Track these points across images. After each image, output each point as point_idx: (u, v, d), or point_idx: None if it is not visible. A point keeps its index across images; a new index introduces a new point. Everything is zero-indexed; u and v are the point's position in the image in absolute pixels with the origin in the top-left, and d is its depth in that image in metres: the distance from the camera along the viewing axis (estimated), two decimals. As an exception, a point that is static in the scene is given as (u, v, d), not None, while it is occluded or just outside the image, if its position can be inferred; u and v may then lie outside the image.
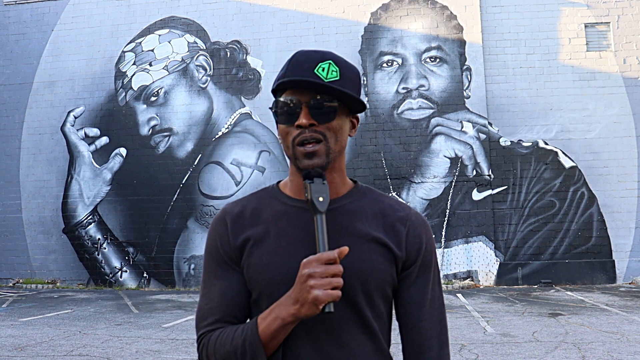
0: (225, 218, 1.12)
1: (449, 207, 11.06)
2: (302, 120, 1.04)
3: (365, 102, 1.09)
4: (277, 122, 1.11)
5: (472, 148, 11.14)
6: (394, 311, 1.17)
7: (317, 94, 1.04)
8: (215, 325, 1.06)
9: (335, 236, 1.06)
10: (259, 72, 11.90)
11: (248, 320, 1.08)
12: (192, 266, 11.49)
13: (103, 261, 11.94)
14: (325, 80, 1.03)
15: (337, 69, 1.05)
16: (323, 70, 1.04)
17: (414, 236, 1.12)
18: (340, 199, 1.12)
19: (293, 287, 0.97)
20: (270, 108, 1.14)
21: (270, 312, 1.00)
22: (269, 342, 0.99)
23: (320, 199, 1.00)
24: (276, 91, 1.09)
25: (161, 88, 12.10)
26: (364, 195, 1.15)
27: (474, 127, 11.18)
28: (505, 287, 10.64)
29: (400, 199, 1.12)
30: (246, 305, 1.09)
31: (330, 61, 1.05)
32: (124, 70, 12.36)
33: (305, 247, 1.05)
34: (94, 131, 12.36)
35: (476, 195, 11.06)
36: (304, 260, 0.96)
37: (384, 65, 11.54)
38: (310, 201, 1.00)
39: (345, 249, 0.97)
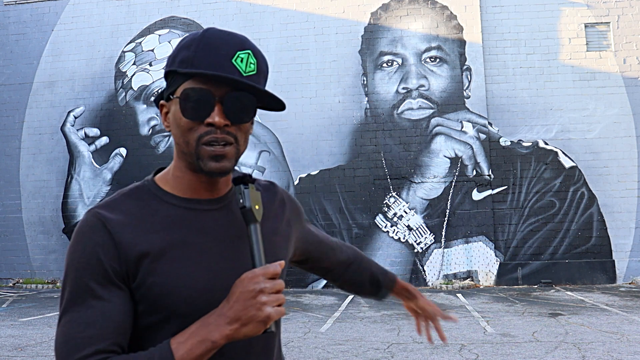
0: (105, 225, 0.89)
1: (449, 207, 11.06)
2: (217, 119, 0.90)
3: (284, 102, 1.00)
4: (164, 110, 0.98)
5: (472, 148, 11.14)
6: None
7: (234, 89, 0.91)
8: (98, 356, 0.84)
9: (208, 243, 0.96)
10: (259, 72, 11.88)
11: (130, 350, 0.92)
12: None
13: (103, 261, 11.93)
14: (244, 74, 0.91)
15: (255, 61, 0.93)
16: (242, 61, 0.91)
17: (293, 208, 1.15)
18: (227, 195, 1.01)
19: (229, 304, 0.85)
20: (161, 93, 0.99)
21: (191, 335, 0.85)
22: None
23: (257, 206, 0.93)
24: (177, 72, 0.92)
25: (161, 88, 12.06)
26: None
27: (474, 127, 11.18)
28: (505, 287, 10.64)
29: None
30: (130, 331, 0.90)
31: (249, 51, 0.92)
32: (124, 70, 12.37)
33: (216, 256, 0.95)
34: (94, 131, 12.36)
35: (476, 195, 11.06)
36: (248, 273, 0.86)
37: (384, 65, 11.54)
38: (248, 209, 0.91)
39: (283, 262, 0.90)
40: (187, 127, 0.92)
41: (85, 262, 0.88)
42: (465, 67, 11.37)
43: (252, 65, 0.92)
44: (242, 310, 0.84)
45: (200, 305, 0.91)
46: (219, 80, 0.90)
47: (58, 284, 11.96)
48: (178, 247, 0.92)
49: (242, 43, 0.93)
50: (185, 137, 0.92)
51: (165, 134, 12.00)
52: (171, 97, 0.94)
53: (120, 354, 0.87)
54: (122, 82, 12.35)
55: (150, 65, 12.22)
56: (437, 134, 11.25)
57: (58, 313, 0.90)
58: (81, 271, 0.88)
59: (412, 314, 1.50)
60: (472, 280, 10.81)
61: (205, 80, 0.90)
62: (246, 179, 0.95)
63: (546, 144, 11.12)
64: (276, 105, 0.98)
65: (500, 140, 11.21)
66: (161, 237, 0.92)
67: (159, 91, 1.00)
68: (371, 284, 1.40)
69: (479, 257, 10.93)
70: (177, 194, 0.97)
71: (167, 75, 0.96)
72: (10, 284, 12.18)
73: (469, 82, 11.31)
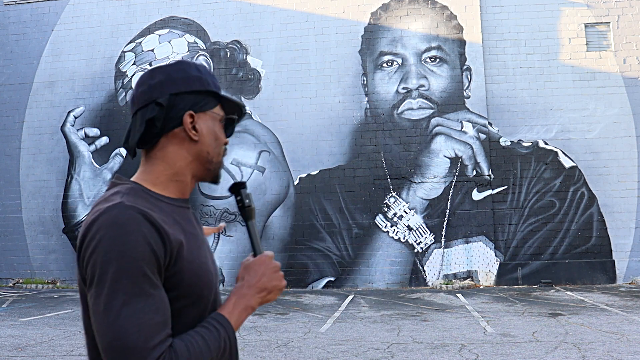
0: (148, 218, 0.96)
1: (449, 207, 11.06)
2: (228, 140, 1.17)
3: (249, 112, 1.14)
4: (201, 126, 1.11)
5: (472, 148, 11.14)
6: None
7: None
8: (169, 341, 0.92)
9: (200, 235, 1.13)
10: (259, 72, 11.90)
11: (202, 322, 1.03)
12: (192, 266, 11.49)
13: (103, 261, 11.92)
14: None
15: None
16: None
17: None
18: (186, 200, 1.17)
19: (254, 278, 1.07)
20: (177, 102, 1.09)
21: (234, 305, 1.04)
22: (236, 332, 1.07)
23: (253, 206, 1.15)
24: (208, 92, 1.12)
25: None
26: None
27: (474, 127, 11.18)
28: (505, 287, 10.64)
29: None
30: None
31: None
32: (124, 70, 12.36)
33: (205, 246, 1.12)
34: (94, 131, 12.36)
35: (476, 195, 11.06)
36: (265, 255, 1.10)
37: (384, 65, 11.54)
38: (253, 208, 1.13)
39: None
40: (223, 141, 1.14)
41: (142, 252, 0.92)
42: (465, 67, 11.37)
43: None
44: (268, 282, 1.07)
45: (212, 288, 1.07)
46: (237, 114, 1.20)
47: (58, 284, 11.96)
48: (192, 238, 1.07)
49: None
50: (218, 149, 1.13)
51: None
52: (208, 112, 1.11)
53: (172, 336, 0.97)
54: (122, 82, 12.34)
55: (150, 65, 12.21)
56: (437, 134, 11.25)
57: (103, 300, 0.90)
58: (139, 261, 0.92)
59: None
60: (472, 280, 10.81)
61: (223, 107, 1.16)
62: (244, 184, 1.13)
63: (546, 144, 11.11)
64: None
65: (500, 140, 11.21)
66: (181, 230, 1.04)
67: (168, 98, 1.09)
68: None
69: (479, 257, 10.93)
70: (167, 195, 1.08)
71: (200, 92, 1.11)
72: (10, 284, 12.17)
73: (469, 82, 11.31)
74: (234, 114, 1.17)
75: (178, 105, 1.08)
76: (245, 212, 1.12)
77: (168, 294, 0.97)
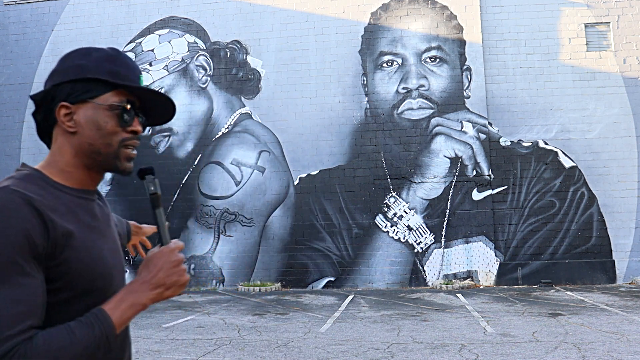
0: (31, 203, 0.92)
1: (449, 207, 11.06)
2: (139, 128, 1.09)
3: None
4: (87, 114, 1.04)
5: (472, 148, 11.14)
6: None
7: (142, 103, 1.10)
8: (31, 332, 0.87)
9: (102, 228, 1.09)
10: (259, 72, 11.90)
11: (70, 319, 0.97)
12: (192, 266, 11.50)
13: (103, 261, 11.92)
14: None
15: (144, 81, 1.12)
16: (143, 81, 1.11)
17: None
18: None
19: (150, 273, 0.99)
20: (54, 94, 1.04)
21: (119, 301, 0.97)
22: (119, 330, 0.98)
23: (159, 193, 1.07)
24: (102, 80, 1.04)
25: (161, 88, 12.09)
26: None
27: (474, 127, 11.18)
28: (505, 287, 10.64)
29: None
30: None
31: (142, 74, 1.13)
32: (124, 70, 12.36)
33: (107, 239, 1.09)
34: (94, 131, 12.35)
35: (476, 195, 11.06)
36: (167, 247, 1.02)
37: (384, 65, 11.54)
38: (159, 196, 1.06)
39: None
40: (112, 131, 1.05)
41: (14, 239, 0.89)
42: (465, 67, 11.37)
43: (145, 84, 1.09)
44: (165, 277, 1.00)
45: (109, 281, 1.04)
46: (149, 98, 1.09)
47: (58, 284, 11.95)
48: (88, 229, 1.03)
49: (138, 66, 1.11)
50: (107, 139, 1.05)
51: (165, 134, 11.99)
52: (89, 101, 1.04)
53: (42, 328, 0.91)
54: (122, 82, 12.34)
55: (151, 65, 12.22)
56: (437, 134, 11.25)
57: None
58: (9, 248, 0.88)
59: (132, 246, 1.79)
60: (472, 280, 10.81)
61: (129, 93, 1.07)
62: (152, 171, 1.08)
63: (546, 144, 11.12)
64: (161, 120, 1.17)
65: (500, 140, 11.21)
66: (74, 220, 1.01)
67: (45, 91, 1.06)
68: (129, 233, 1.70)
69: (479, 257, 10.93)
70: (68, 185, 1.05)
71: (78, 80, 1.04)
72: (10, 284, 12.16)
73: (469, 82, 11.31)
74: (134, 99, 1.08)
75: (58, 97, 1.04)
76: (150, 199, 1.06)
77: (53, 284, 0.94)
